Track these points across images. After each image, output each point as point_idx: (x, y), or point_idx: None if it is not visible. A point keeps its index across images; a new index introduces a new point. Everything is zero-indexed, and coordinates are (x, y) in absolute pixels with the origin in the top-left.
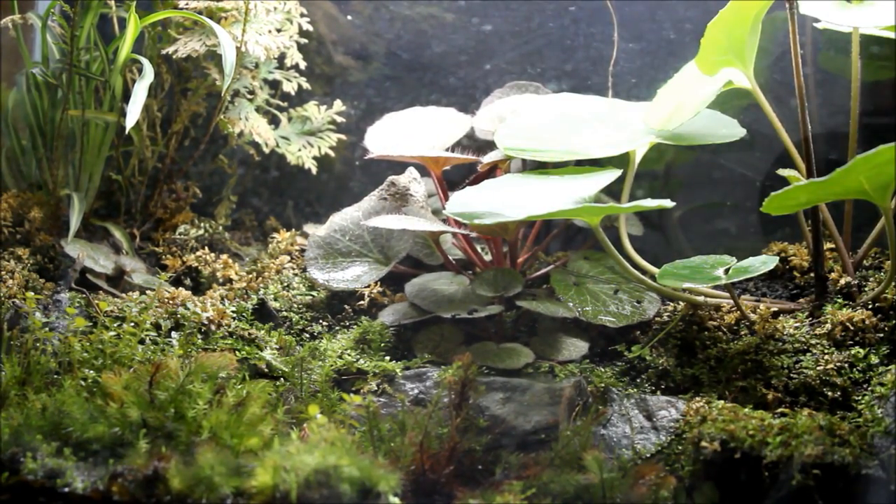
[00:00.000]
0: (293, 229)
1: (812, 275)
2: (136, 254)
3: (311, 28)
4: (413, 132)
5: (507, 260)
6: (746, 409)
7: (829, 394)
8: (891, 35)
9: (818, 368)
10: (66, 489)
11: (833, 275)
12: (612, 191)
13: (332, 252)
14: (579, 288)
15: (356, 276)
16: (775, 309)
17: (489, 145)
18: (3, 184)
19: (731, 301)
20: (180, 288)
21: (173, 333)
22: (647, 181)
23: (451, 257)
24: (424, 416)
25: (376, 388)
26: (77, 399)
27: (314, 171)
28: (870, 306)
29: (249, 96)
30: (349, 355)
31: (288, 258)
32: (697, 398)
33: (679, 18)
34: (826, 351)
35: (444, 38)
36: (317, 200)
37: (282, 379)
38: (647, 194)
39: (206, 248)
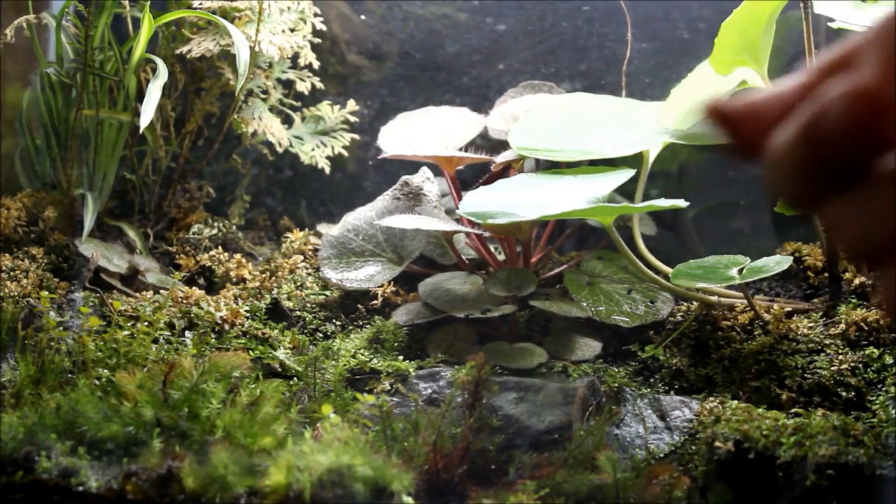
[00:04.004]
0: (306, 229)
1: (826, 275)
2: (149, 253)
3: (324, 28)
4: (426, 132)
5: (520, 260)
6: (760, 410)
7: (844, 394)
8: None
9: (832, 368)
10: (81, 488)
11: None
12: (626, 190)
13: (346, 252)
14: (592, 288)
15: (369, 275)
16: (789, 309)
17: (502, 145)
18: (17, 183)
19: (745, 301)
20: (194, 287)
21: (187, 333)
22: (661, 181)
23: (464, 257)
24: (438, 416)
25: (389, 388)
26: (91, 398)
27: (327, 170)
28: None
29: (263, 96)
30: (362, 355)
31: (301, 258)
32: (711, 398)
33: (693, 18)
34: (840, 351)
35: (457, 37)
36: (330, 200)
37: (295, 378)
38: (661, 194)
39: (220, 247)
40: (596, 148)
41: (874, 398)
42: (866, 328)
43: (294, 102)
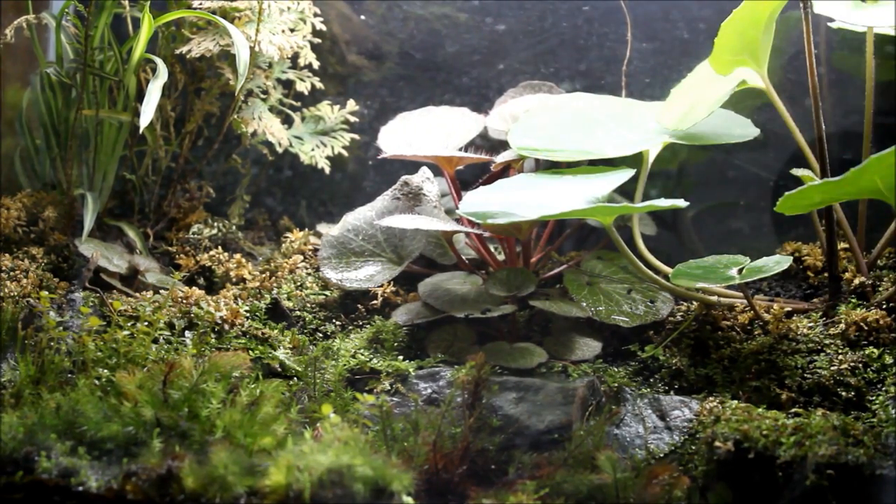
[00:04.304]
0: (306, 229)
1: (826, 275)
2: (149, 253)
3: (324, 28)
4: (426, 132)
5: (520, 259)
6: (760, 409)
7: (843, 394)
8: None
9: (832, 368)
10: (81, 488)
11: (847, 275)
12: (626, 190)
13: (346, 252)
14: (592, 288)
15: (369, 275)
16: (789, 309)
17: (502, 145)
18: (17, 183)
19: (745, 301)
20: (194, 287)
21: (187, 333)
22: (661, 181)
23: (464, 257)
24: (437, 416)
25: (389, 388)
26: (91, 398)
27: (327, 170)
28: (884, 306)
29: (263, 96)
30: (362, 355)
31: (301, 258)
32: (711, 398)
33: (693, 18)
34: (840, 351)
35: (457, 37)
36: (330, 200)
37: (295, 378)
38: (661, 194)
39: (220, 247)
40: (596, 148)
41: (874, 398)
42: (866, 328)
43: (294, 102)
